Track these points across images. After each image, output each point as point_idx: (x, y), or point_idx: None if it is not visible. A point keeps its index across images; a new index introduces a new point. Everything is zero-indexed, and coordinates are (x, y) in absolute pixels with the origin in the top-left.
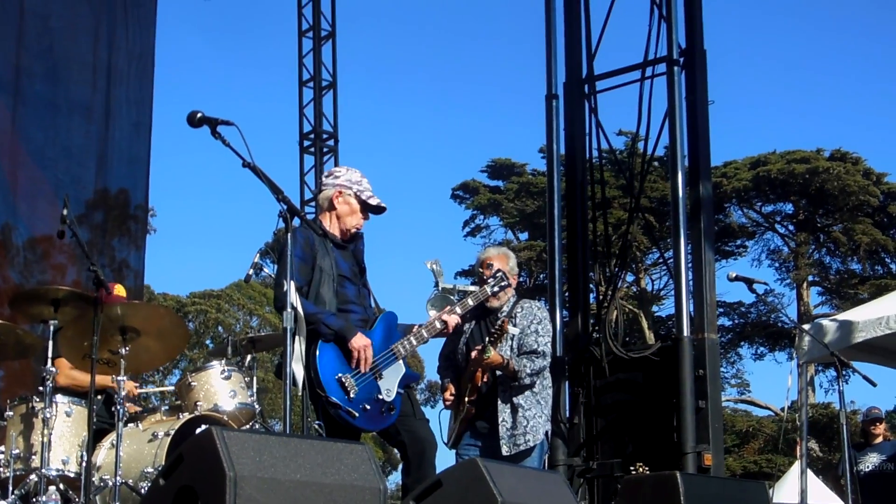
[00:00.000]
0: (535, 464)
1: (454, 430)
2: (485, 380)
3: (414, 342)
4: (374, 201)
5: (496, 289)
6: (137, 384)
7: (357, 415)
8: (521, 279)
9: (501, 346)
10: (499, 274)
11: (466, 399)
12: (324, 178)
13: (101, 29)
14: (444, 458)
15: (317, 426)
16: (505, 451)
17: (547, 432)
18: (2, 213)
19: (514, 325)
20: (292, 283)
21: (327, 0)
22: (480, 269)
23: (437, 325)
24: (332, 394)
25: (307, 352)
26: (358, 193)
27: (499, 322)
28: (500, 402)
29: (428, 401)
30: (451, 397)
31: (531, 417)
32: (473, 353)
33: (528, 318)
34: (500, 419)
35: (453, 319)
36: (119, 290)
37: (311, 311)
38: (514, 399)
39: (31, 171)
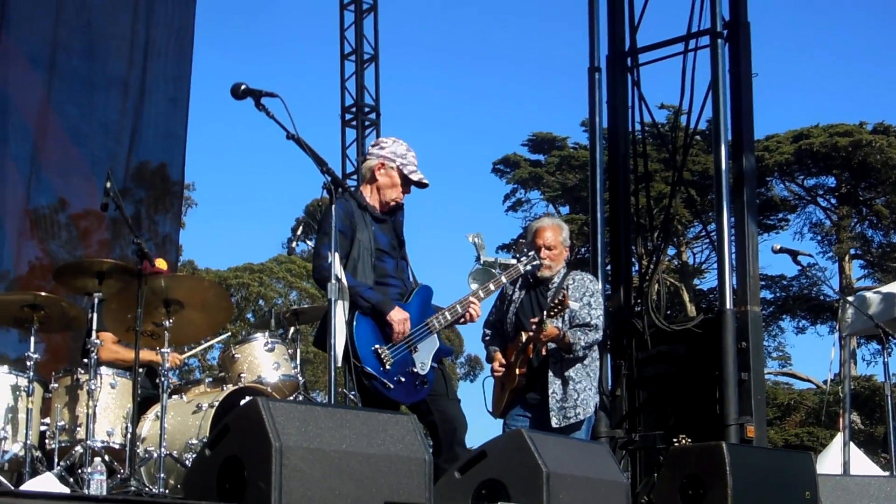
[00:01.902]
0: (583, 436)
1: (502, 399)
2: (542, 353)
3: (449, 317)
4: (415, 176)
5: (528, 267)
6: (181, 353)
7: (392, 386)
8: None
9: (555, 318)
10: (532, 252)
11: (517, 371)
12: (370, 148)
13: (140, 4)
14: (492, 428)
15: (352, 396)
16: (555, 423)
17: (596, 405)
18: (35, 188)
19: (574, 300)
20: (336, 255)
21: None
22: (533, 239)
23: (471, 298)
24: (368, 364)
25: (351, 314)
26: (401, 167)
27: (559, 296)
28: (551, 374)
29: (468, 374)
30: (501, 368)
31: (582, 390)
32: (532, 326)
33: (580, 290)
34: (550, 391)
35: (475, 311)
36: (160, 263)
37: (350, 283)
38: (566, 372)
39: (66, 147)
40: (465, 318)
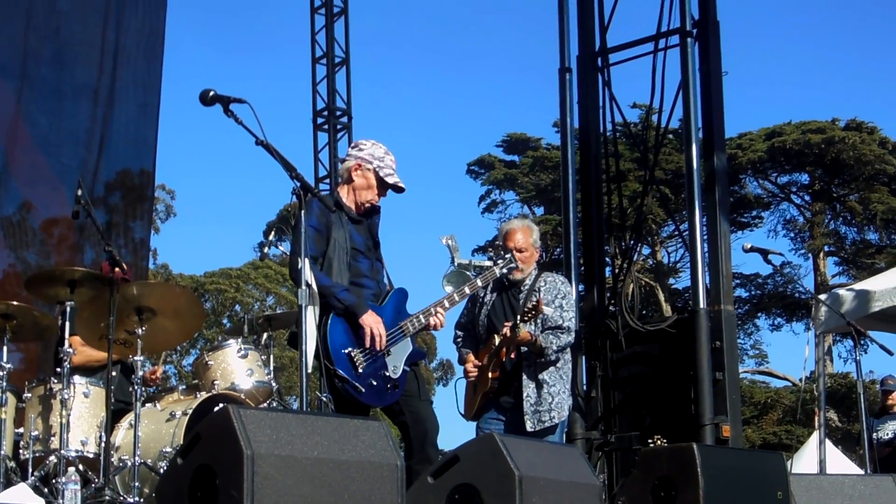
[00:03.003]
0: (557, 440)
1: (475, 402)
2: (512, 356)
3: (423, 320)
4: (391, 179)
5: (504, 270)
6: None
7: (364, 390)
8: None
9: (529, 323)
10: (508, 255)
11: (490, 375)
12: (349, 149)
13: (109, 10)
14: (466, 431)
15: (325, 398)
16: (529, 426)
17: (569, 408)
18: (4, 197)
19: (546, 303)
20: (307, 260)
21: None
22: (504, 242)
23: (437, 308)
24: (340, 367)
25: (319, 323)
26: (377, 169)
27: (534, 300)
28: (525, 377)
29: (441, 378)
30: (475, 370)
31: (556, 394)
32: (505, 331)
33: (552, 292)
34: (524, 394)
35: (439, 320)
36: None
37: (325, 283)
38: (540, 375)
39: (35, 156)
40: (429, 325)
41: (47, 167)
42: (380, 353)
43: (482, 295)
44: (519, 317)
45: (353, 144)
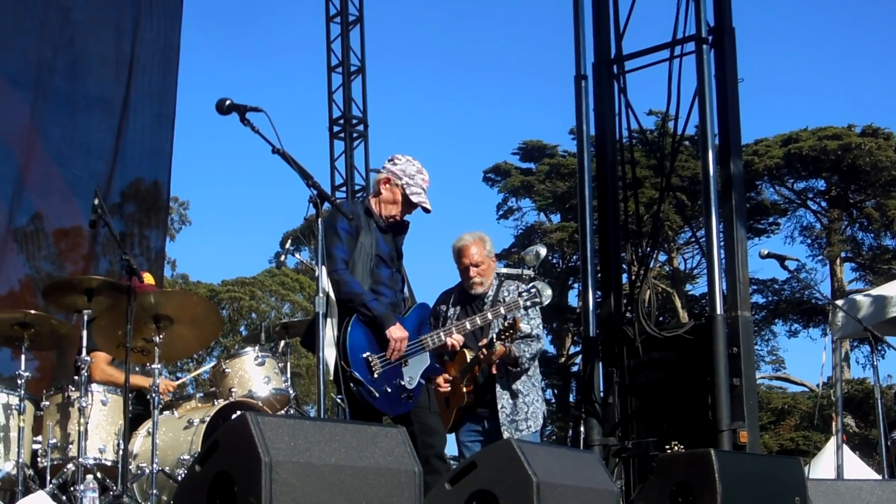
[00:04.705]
0: None
1: (449, 416)
2: (493, 370)
3: (442, 338)
4: (416, 199)
5: (528, 304)
6: (172, 378)
7: (378, 395)
8: (553, 261)
9: (492, 332)
10: (533, 290)
11: (465, 389)
12: (385, 162)
13: (124, 21)
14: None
15: (339, 400)
16: (507, 436)
17: (543, 415)
18: (17, 208)
19: (526, 323)
20: (324, 268)
21: None
22: (458, 258)
23: (468, 325)
24: (357, 370)
25: (340, 325)
26: (405, 186)
27: (510, 319)
28: (499, 388)
29: None
30: (446, 385)
31: (531, 403)
32: (482, 352)
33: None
34: (499, 405)
35: (456, 340)
36: (148, 278)
37: (356, 290)
38: (513, 385)
39: (47, 167)
40: (446, 345)
41: (60, 178)
42: (397, 361)
43: (445, 309)
44: (495, 336)
45: (389, 158)
